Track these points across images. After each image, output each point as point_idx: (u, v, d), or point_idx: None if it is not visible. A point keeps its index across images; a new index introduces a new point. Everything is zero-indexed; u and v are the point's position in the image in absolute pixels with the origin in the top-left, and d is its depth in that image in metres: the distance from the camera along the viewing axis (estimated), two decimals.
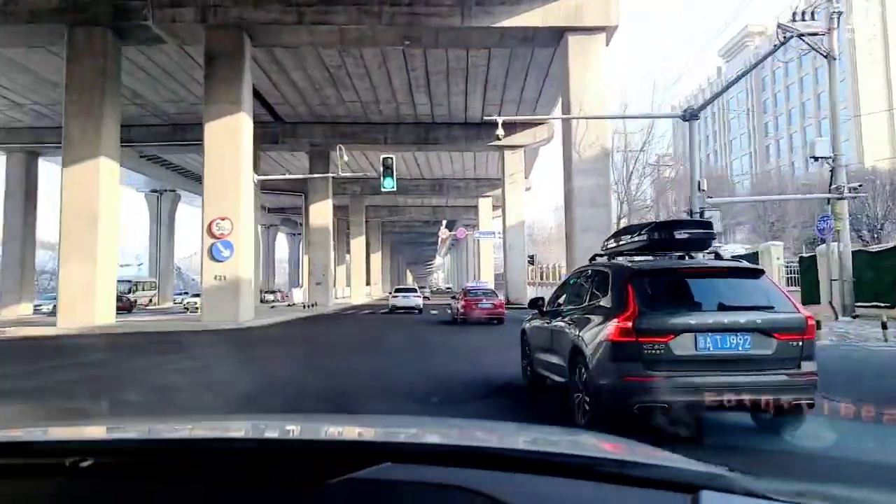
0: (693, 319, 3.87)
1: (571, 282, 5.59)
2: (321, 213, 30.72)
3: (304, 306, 26.99)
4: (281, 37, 17.63)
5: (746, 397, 3.69)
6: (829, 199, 14.75)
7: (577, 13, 16.87)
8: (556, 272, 37.12)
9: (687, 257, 4.75)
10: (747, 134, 69.94)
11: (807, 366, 3.84)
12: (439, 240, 59.81)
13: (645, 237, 4.73)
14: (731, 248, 23.42)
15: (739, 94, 70.58)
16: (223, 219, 16.36)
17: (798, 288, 16.74)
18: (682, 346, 3.77)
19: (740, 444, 3.76)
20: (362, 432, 1.30)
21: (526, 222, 34.76)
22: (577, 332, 4.44)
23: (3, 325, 17.41)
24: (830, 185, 14.64)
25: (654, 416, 3.66)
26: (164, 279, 42.76)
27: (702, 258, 4.82)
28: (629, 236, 5.04)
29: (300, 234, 48.34)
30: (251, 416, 2.14)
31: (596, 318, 4.27)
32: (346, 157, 18.37)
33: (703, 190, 10.84)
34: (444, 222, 48.63)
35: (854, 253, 15.06)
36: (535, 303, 6.04)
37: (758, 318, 3.88)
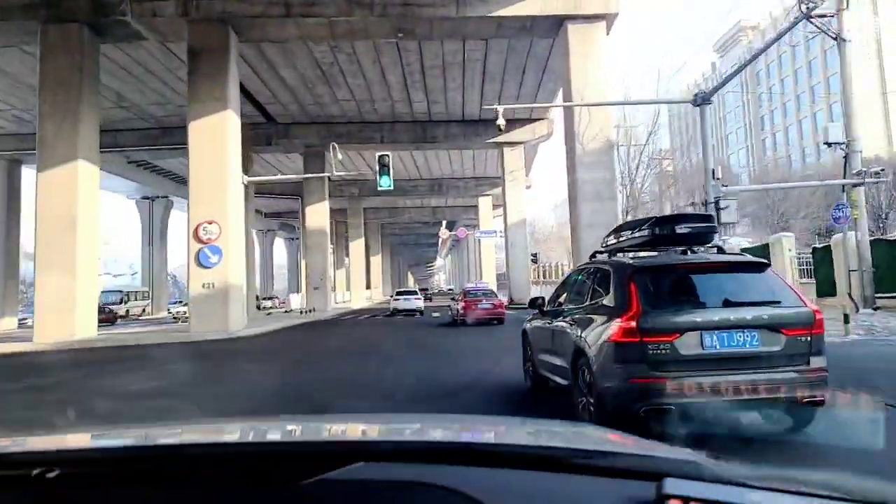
0: (698, 317, 3.74)
1: (572, 280, 5.43)
2: (318, 215, 29.94)
3: (301, 312, 26.17)
4: (268, 31, 16.84)
5: (755, 396, 3.59)
6: (843, 187, 14.03)
7: (576, 0, 16.13)
8: (559, 270, 36.51)
9: (689, 252, 4.53)
10: (744, 128, 69.43)
11: (816, 361, 3.72)
12: (439, 240, 59.12)
13: (646, 232, 4.56)
14: (736, 241, 22.66)
15: (735, 89, 70.15)
16: (210, 222, 15.54)
17: (811, 280, 16.01)
18: (688, 345, 3.64)
19: (750, 444, 3.57)
20: (336, 432, 1.29)
21: (527, 220, 33.98)
22: (580, 333, 4.31)
23: None
24: (845, 171, 13.90)
25: (662, 418, 3.50)
26: (158, 288, 41.92)
27: (702, 252, 4.59)
28: (629, 232, 4.87)
29: (298, 238, 47.67)
30: (224, 420, 2.07)
31: (598, 318, 4.14)
32: (340, 156, 17.57)
33: (718, 178, 10.03)
34: (444, 222, 47.93)
35: (871, 242, 14.29)
36: (535, 302, 5.88)
37: (765, 313, 3.76)
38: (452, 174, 40.84)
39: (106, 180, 37.73)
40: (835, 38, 13.98)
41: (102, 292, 39.77)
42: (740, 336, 3.68)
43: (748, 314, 3.74)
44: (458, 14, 16.31)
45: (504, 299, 29.69)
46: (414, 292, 27.58)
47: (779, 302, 3.86)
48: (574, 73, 15.70)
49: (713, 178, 9.90)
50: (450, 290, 66.28)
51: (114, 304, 38.17)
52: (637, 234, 4.71)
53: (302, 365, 9.27)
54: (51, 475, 0.81)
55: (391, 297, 28.45)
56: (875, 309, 13.10)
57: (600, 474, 0.83)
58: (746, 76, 68.16)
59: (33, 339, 14.72)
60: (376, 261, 56.46)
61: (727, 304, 3.84)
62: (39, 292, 14.99)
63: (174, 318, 27.67)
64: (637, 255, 4.88)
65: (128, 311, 38.33)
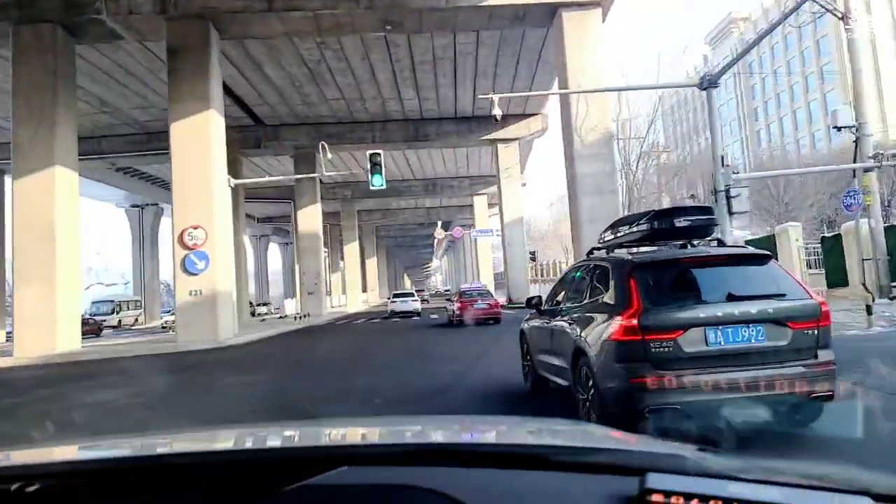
0: (702, 312, 3.64)
1: (569, 278, 5.31)
2: (310, 218, 29.31)
3: (294, 318, 25.51)
4: (250, 26, 16.19)
5: (762, 393, 3.48)
6: (854, 172, 13.55)
7: None
8: (557, 268, 36.05)
9: (689, 246, 4.40)
10: (737, 121, 69.17)
11: (824, 355, 3.64)
12: (435, 241, 58.56)
13: (645, 227, 4.47)
14: (741, 234, 22.16)
15: (728, 81, 69.89)
16: (196, 227, 14.87)
17: (819, 271, 15.50)
18: (692, 341, 3.55)
19: (758, 441, 3.39)
20: (321, 437, 1.28)
21: (523, 218, 33.43)
22: (579, 332, 4.23)
23: None
24: (855, 156, 13.41)
25: (667, 418, 3.36)
26: (150, 297, 41.17)
27: (702, 246, 4.44)
28: (627, 227, 4.76)
29: (292, 243, 46.98)
30: (207, 428, 2.00)
31: (598, 317, 4.05)
32: (329, 155, 16.96)
33: (728, 165, 9.46)
34: (440, 223, 47.35)
35: (885, 229, 13.79)
36: (532, 302, 5.80)
37: (770, 307, 3.66)
38: (446, 174, 40.27)
39: (93, 189, 37.13)
40: (841, 18, 13.51)
41: (93, 302, 39.18)
42: (745, 331, 3.57)
43: (753, 308, 3.61)
44: (447, 4, 15.73)
45: (502, 299, 29.41)
46: (411, 294, 27.66)
47: (784, 294, 3.74)
48: (570, 61, 15.11)
49: (722, 165, 9.33)
50: (446, 291, 65.70)
51: (105, 314, 37.47)
52: (636, 229, 4.58)
53: (287, 376, 8.64)
54: (30, 489, 0.80)
55: (388, 299, 28.53)
56: (892, 299, 12.61)
57: (584, 471, 0.83)
58: (738, 67, 68.01)
59: (14, 353, 14.03)
60: (372, 263, 55.83)
61: (731, 298, 3.70)
62: (18, 305, 14.30)
63: (163, 327, 26.94)
64: (635, 250, 4.71)
65: (119, 321, 37.58)
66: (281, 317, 31.42)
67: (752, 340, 3.57)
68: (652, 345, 3.53)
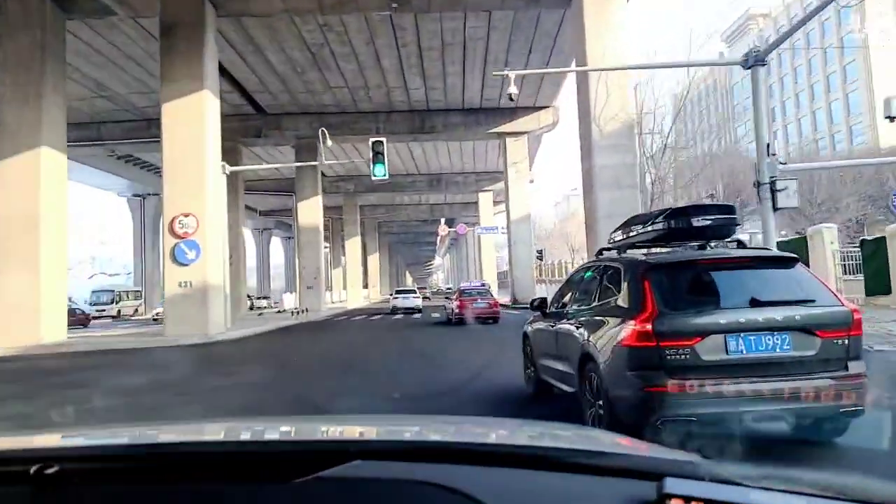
0: (722, 318, 3.43)
1: (577, 279, 5.12)
2: (310, 210, 28.50)
3: (292, 313, 24.72)
4: (248, 3, 15.36)
5: (787, 406, 3.30)
6: None
7: None
8: (563, 269, 35.17)
9: (707, 248, 4.25)
10: (752, 121, 67.90)
11: (854, 366, 3.43)
12: (438, 238, 57.67)
13: (660, 226, 4.25)
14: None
15: (744, 80, 68.57)
16: (187, 215, 14.06)
17: (855, 277, 14.46)
18: (711, 349, 3.36)
19: (781, 457, 3.14)
20: (334, 432, 1.29)
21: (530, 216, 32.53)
22: (587, 337, 4.05)
23: None
24: None
25: (681, 430, 3.17)
26: (151, 288, 40.52)
27: (721, 248, 4.30)
28: (640, 226, 4.54)
29: (294, 237, 46.32)
30: (219, 420, 2.09)
31: (608, 320, 3.87)
32: (329, 142, 16.09)
33: (775, 154, 8.55)
34: (443, 220, 46.51)
35: None
36: (535, 304, 5.57)
37: (797, 313, 3.44)
38: (452, 168, 39.37)
39: (94, 177, 36.52)
40: None
41: (93, 292, 38.68)
42: (769, 339, 3.36)
43: (778, 315, 3.39)
44: None
45: (506, 299, 28.56)
46: (413, 291, 28.30)
47: (812, 300, 3.51)
48: (590, 46, 14.06)
49: (768, 153, 8.40)
50: (448, 289, 65.01)
51: (105, 304, 36.95)
52: (650, 228, 4.36)
53: (270, 380, 7.80)
54: (49, 471, 0.82)
55: (391, 295, 29.19)
56: None
57: (601, 474, 0.83)
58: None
59: None
60: (373, 259, 55.06)
61: (754, 303, 3.47)
62: (1, 295, 13.51)
63: (154, 319, 26.22)
64: (650, 251, 4.50)
65: (119, 311, 37.03)
66: (279, 311, 30.64)
67: (777, 350, 3.34)
68: (667, 352, 3.33)
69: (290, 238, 58.15)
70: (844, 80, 54.71)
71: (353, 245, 44.33)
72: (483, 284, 22.47)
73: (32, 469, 0.81)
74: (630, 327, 3.49)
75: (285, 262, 65.14)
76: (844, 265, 14.52)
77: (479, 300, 17.53)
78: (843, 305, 3.56)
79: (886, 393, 4.01)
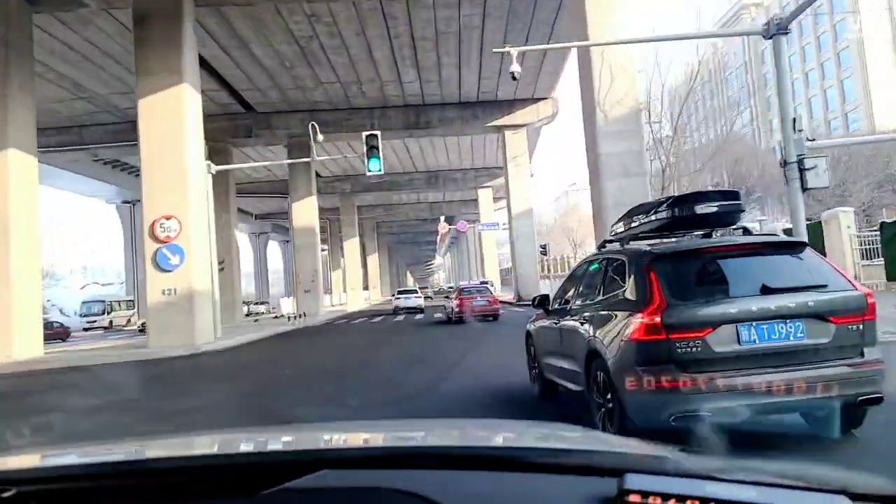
0: (733, 307, 3.28)
1: (580, 274, 4.98)
2: (305, 211, 27.64)
3: (288, 318, 23.85)
4: None
5: (803, 396, 3.14)
6: None
7: None
8: (566, 263, 34.35)
9: (712, 236, 4.23)
10: (749, 110, 67.04)
11: (871, 353, 3.32)
12: (438, 236, 56.86)
13: (664, 215, 4.10)
14: (778, 224, 20.36)
15: (738, 70, 67.75)
16: (168, 217, 13.18)
17: (873, 262, 13.72)
18: (722, 340, 3.22)
19: (800, 451, 3.15)
20: (301, 441, 1.27)
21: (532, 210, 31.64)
22: (593, 332, 3.92)
23: None
24: None
25: (695, 426, 2.97)
26: (143, 297, 39.54)
27: (726, 236, 4.20)
28: (643, 216, 4.39)
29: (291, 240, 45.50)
30: (182, 434, 1.90)
31: (614, 315, 3.70)
32: (320, 137, 15.21)
33: (801, 130, 7.71)
34: (443, 217, 45.68)
35: None
36: (538, 301, 5.47)
37: (810, 299, 3.30)
38: (450, 165, 38.51)
39: (80, 184, 35.60)
40: None
41: (84, 303, 37.80)
42: (783, 327, 3.27)
43: (791, 301, 3.31)
44: None
45: (509, 296, 27.73)
46: (414, 291, 28.63)
47: (824, 286, 3.42)
48: (592, 29, 13.16)
49: (794, 129, 7.56)
50: (449, 288, 64.25)
51: (96, 314, 36.11)
52: (653, 218, 4.22)
53: (256, 398, 6.93)
54: (6, 495, 0.81)
55: (393, 296, 29.40)
56: None
57: (564, 472, 0.84)
58: (751, 54, 65.90)
59: None
60: (373, 260, 54.19)
61: (765, 290, 3.38)
62: None
63: (140, 329, 25.31)
64: (654, 241, 4.34)
65: (111, 321, 36.17)
66: (276, 317, 29.76)
67: (791, 338, 3.25)
68: (677, 345, 3.23)
69: (287, 241, 57.29)
70: (862, 53, 53.56)
71: (352, 246, 43.47)
72: (484, 283, 22.34)
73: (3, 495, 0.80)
74: (638, 321, 3.36)
75: (284, 266, 64.27)
76: (862, 250, 13.73)
77: (478, 298, 17.71)
78: (855, 289, 3.43)
79: None
